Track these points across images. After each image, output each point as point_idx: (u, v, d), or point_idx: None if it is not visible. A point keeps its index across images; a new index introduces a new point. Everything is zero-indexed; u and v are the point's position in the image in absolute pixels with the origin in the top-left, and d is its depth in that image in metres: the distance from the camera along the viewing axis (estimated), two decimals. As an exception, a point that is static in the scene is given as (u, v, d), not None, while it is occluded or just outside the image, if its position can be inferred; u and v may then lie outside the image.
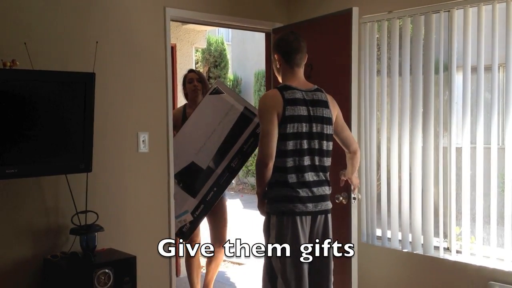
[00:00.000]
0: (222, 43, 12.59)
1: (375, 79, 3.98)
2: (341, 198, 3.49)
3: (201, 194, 3.75)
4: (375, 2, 3.83)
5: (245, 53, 14.84)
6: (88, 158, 3.10)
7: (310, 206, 2.75)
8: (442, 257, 3.63)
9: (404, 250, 3.83)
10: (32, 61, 2.96)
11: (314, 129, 2.77)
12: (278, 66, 2.90)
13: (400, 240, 3.88)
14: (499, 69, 3.53)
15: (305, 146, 2.75)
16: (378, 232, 4.03)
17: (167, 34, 3.75)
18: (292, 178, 2.74)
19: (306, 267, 2.75)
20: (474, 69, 3.48)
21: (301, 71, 2.89)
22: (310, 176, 2.77)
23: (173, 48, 4.89)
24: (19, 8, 3.13)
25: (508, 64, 3.32)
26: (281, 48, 2.88)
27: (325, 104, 2.83)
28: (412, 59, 3.77)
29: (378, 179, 4.02)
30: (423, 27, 3.70)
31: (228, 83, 12.75)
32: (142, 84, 3.66)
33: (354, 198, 3.47)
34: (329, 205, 2.86)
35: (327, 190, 2.85)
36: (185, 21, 4.30)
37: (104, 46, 3.35)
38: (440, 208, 3.66)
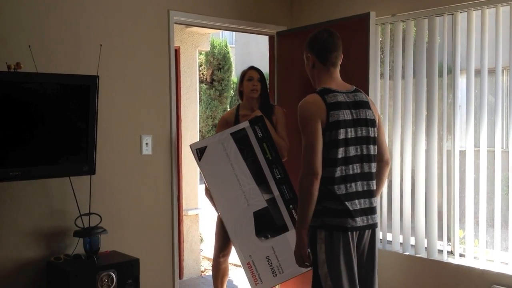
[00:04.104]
0: (226, 46, 12.58)
1: (379, 82, 3.98)
2: None
3: (288, 221, 3.43)
4: (378, 6, 3.83)
5: (248, 55, 14.87)
6: (91, 160, 3.10)
7: (359, 221, 2.50)
8: (445, 261, 3.62)
9: (406, 253, 3.82)
10: (37, 64, 2.98)
11: (360, 133, 2.53)
12: (311, 67, 2.64)
13: (401, 243, 3.87)
14: (503, 72, 3.54)
15: (352, 153, 2.50)
16: (381, 235, 4.02)
17: (171, 37, 3.76)
18: (341, 189, 2.48)
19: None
20: (478, 72, 3.48)
21: (337, 72, 2.63)
22: (359, 186, 2.52)
23: (176, 51, 4.89)
24: (23, 11, 3.15)
25: (511, 67, 3.31)
26: (314, 46, 2.62)
27: (367, 105, 2.59)
28: (416, 62, 3.77)
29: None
30: (426, 30, 3.70)
31: (232, 86, 12.75)
32: (145, 87, 3.67)
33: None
34: (376, 218, 2.60)
35: (374, 201, 2.59)
36: (189, 25, 4.28)
37: (108, 49, 3.36)
38: (443, 211, 3.65)
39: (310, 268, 2.60)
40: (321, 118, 2.46)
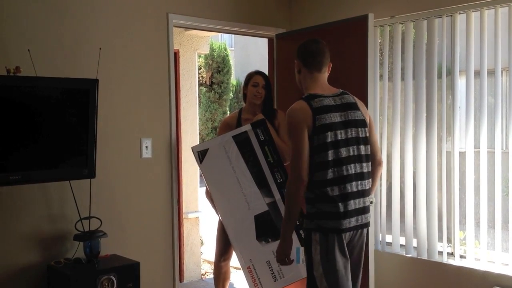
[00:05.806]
0: (225, 49, 12.59)
1: (378, 84, 3.98)
2: None
3: None
4: (377, 8, 3.83)
5: (248, 58, 14.88)
6: (91, 164, 3.10)
7: (353, 221, 2.56)
8: (446, 262, 3.62)
9: (408, 255, 3.82)
10: (36, 68, 2.98)
11: (350, 135, 2.59)
12: (297, 73, 2.75)
13: (403, 245, 3.87)
14: (502, 73, 3.54)
15: (344, 154, 2.55)
16: (380, 237, 4.01)
17: (170, 40, 3.76)
18: (334, 191, 2.52)
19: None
20: (477, 74, 3.48)
21: (323, 77, 2.71)
22: (353, 187, 2.57)
23: (176, 54, 4.89)
24: (22, 15, 3.15)
25: (511, 68, 3.32)
26: (299, 52, 2.74)
27: (355, 106, 2.65)
28: (415, 63, 3.77)
29: (382, 184, 4.00)
30: (425, 31, 3.70)
31: (231, 88, 12.76)
32: (145, 90, 3.67)
33: (371, 202, 3.40)
34: (369, 217, 2.66)
35: (367, 201, 2.65)
36: (188, 28, 4.28)
37: (107, 52, 3.36)
38: (443, 212, 3.65)
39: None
40: (307, 124, 2.53)
